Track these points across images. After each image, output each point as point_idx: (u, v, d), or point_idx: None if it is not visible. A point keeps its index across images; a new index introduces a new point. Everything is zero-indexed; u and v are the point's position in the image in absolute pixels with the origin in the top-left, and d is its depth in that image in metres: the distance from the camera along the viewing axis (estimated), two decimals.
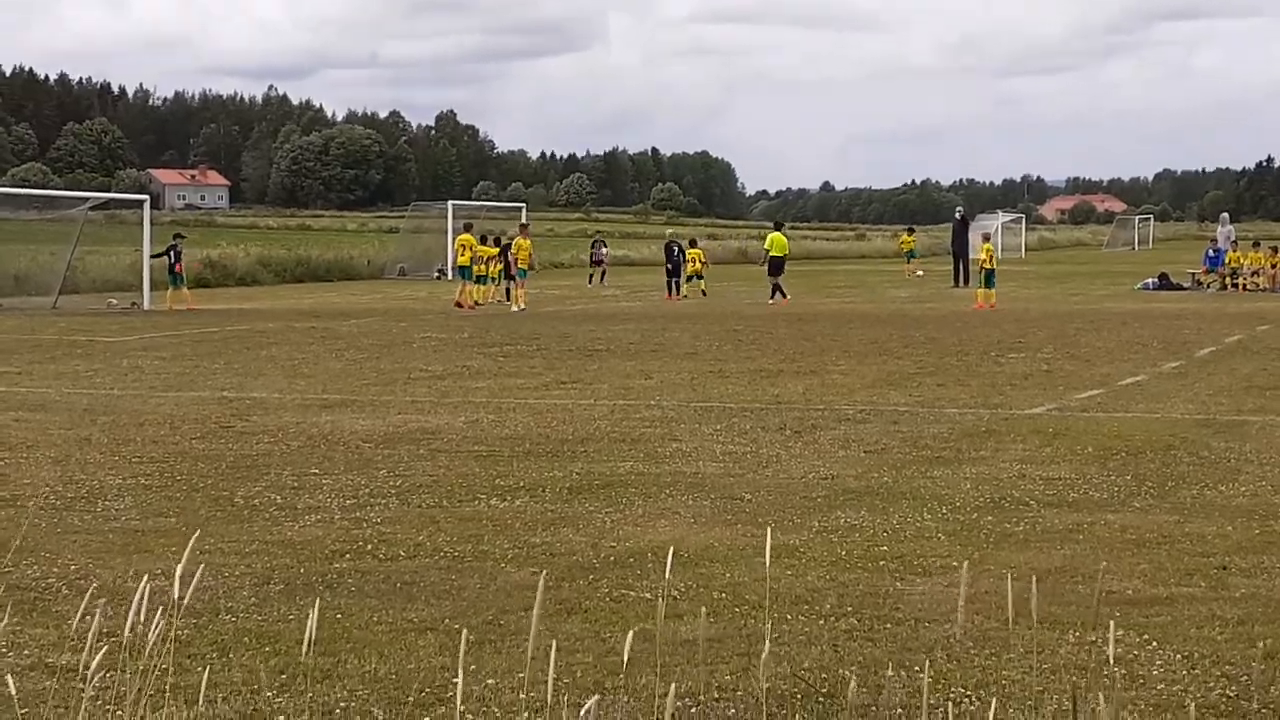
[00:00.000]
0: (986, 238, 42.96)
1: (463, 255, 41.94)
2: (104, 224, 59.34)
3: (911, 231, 71.45)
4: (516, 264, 40.26)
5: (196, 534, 5.17)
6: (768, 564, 5.11)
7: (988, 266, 39.54)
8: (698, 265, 46.45)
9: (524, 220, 51.15)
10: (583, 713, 3.67)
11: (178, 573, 4.54)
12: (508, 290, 41.93)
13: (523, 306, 38.64)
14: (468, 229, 43.73)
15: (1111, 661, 4.55)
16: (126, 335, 30.48)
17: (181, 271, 41.65)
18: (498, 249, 42.61)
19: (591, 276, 54.60)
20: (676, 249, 46.63)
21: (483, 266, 42.11)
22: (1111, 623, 4.57)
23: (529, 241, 41.18)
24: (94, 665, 4.56)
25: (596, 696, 3.98)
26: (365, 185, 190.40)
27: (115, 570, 9.30)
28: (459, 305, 39.67)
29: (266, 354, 25.49)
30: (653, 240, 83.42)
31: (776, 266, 41.91)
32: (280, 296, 46.78)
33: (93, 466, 13.51)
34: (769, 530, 4.91)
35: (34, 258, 46.99)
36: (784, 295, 40.99)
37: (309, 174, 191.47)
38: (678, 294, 44.47)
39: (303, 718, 6.42)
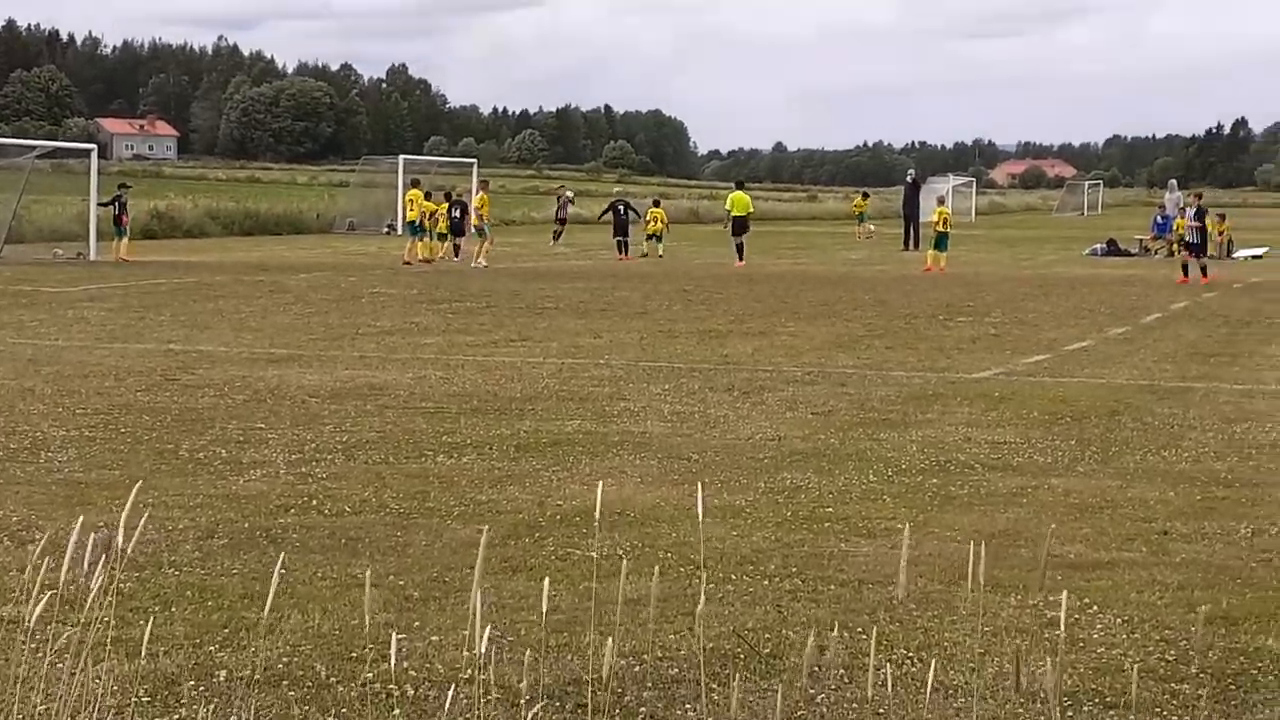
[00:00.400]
0: (941, 200, 43.01)
1: (411, 210, 41.76)
2: (51, 173, 58.74)
3: (866, 196, 71.49)
4: (483, 220, 40.02)
5: (139, 484, 5.14)
6: (700, 519, 5.12)
7: (940, 230, 39.66)
8: (659, 225, 46.01)
9: (481, 178, 50.84)
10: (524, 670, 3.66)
11: (121, 523, 4.51)
12: (456, 247, 41.79)
13: (484, 263, 38.33)
14: (416, 185, 43.58)
15: (1063, 628, 4.57)
16: (71, 286, 30.25)
17: (127, 224, 41.37)
18: (446, 204, 42.39)
19: (557, 234, 52.15)
20: (623, 207, 46.12)
21: (430, 222, 41.92)
22: (1065, 592, 4.59)
23: (488, 197, 41.20)
24: (33, 617, 4.53)
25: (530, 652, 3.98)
26: (316, 138, 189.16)
27: (57, 522, 9.23)
28: (407, 263, 39.33)
29: (213, 307, 25.35)
30: (605, 198, 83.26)
31: (740, 226, 41.49)
32: (228, 249, 46.50)
33: (36, 418, 13.41)
34: (700, 486, 4.91)
35: None
36: (740, 258, 40.41)
37: (259, 125, 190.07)
38: (626, 253, 44.02)
39: (245, 672, 6.40)
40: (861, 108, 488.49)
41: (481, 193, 41.29)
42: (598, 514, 4.94)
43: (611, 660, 4.13)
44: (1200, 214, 35.66)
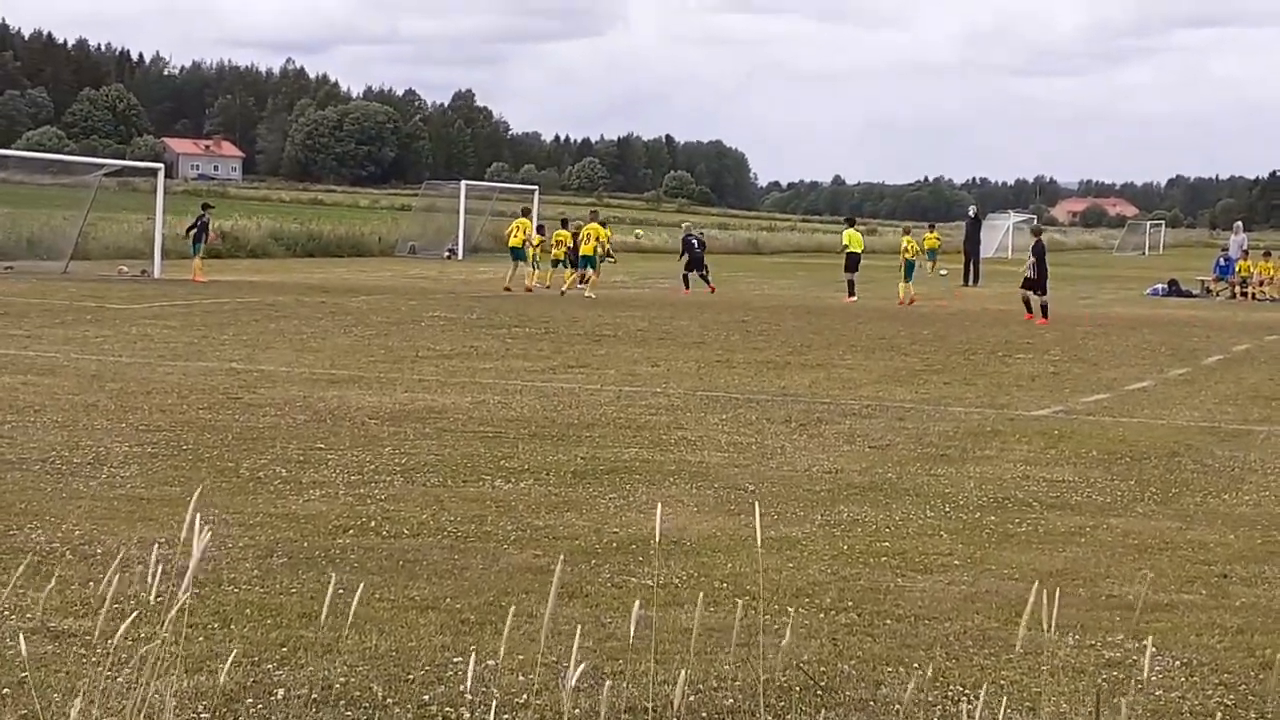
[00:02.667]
0: (907, 231, 43.21)
1: (515, 237, 41.48)
2: (117, 191, 59.42)
3: (933, 228, 71.24)
4: (596, 251, 39.45)
5: (198, 491, 5.19)
6: (759, 547, 5.13)
7: (908, 258, 39.93)
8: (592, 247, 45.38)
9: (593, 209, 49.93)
10: (572, 680, 3.69)
11: (197, 543, 4.56)
12: (582, 275, 41.73)
13: (592, 295, 37.33)
14: (525, 214, 43.66)
15: (1146, 674, 4.56)
16: (136, 303, 30.52)
17: (208, 241, 41.70)
18: (571, 234, 42.19)
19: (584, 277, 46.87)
20: (695, 242, 44.67)
21: (551, 251, 41.97)
22: (1149, 641, 4.58)
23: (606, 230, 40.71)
24: (109, 630, 4.58)
25: (583, 665, 4.01)
26: (379, 162, 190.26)
27: (119, 537, 9.32)
28: (508, 289, 38.89)
29: (275, 327, 25.52)
30: (665, 228, 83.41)
31: (852, 263, 40.93)
32: (291, 270, 46.80)
33: (99, 432, 13.54)
34: (757, 510, 4.91)
35: (47, 222, 47.04)
36: (850, 293, 39.70)
37: (323, 149, 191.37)
38: (687, 288, 42.56)
39: (303, 691, 6.44)
40: (922, 142, 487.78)
41: (592, 224, 40.56)
42: (657, 539, 4.96)
43: (683, 690, 4.15)
44: (1039, 249, 34.04)
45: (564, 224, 43.76)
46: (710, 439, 14.40)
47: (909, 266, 40.08)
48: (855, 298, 39.23)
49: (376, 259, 58.77)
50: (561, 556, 4.72)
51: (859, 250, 41.13)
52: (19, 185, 50.14)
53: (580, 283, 39.75)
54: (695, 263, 42.98)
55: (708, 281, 42.04)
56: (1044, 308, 33.02)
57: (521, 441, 13.88)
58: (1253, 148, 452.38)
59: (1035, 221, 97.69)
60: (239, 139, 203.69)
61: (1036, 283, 33.50)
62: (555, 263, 41.94)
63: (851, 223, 45.80)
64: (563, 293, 38.50)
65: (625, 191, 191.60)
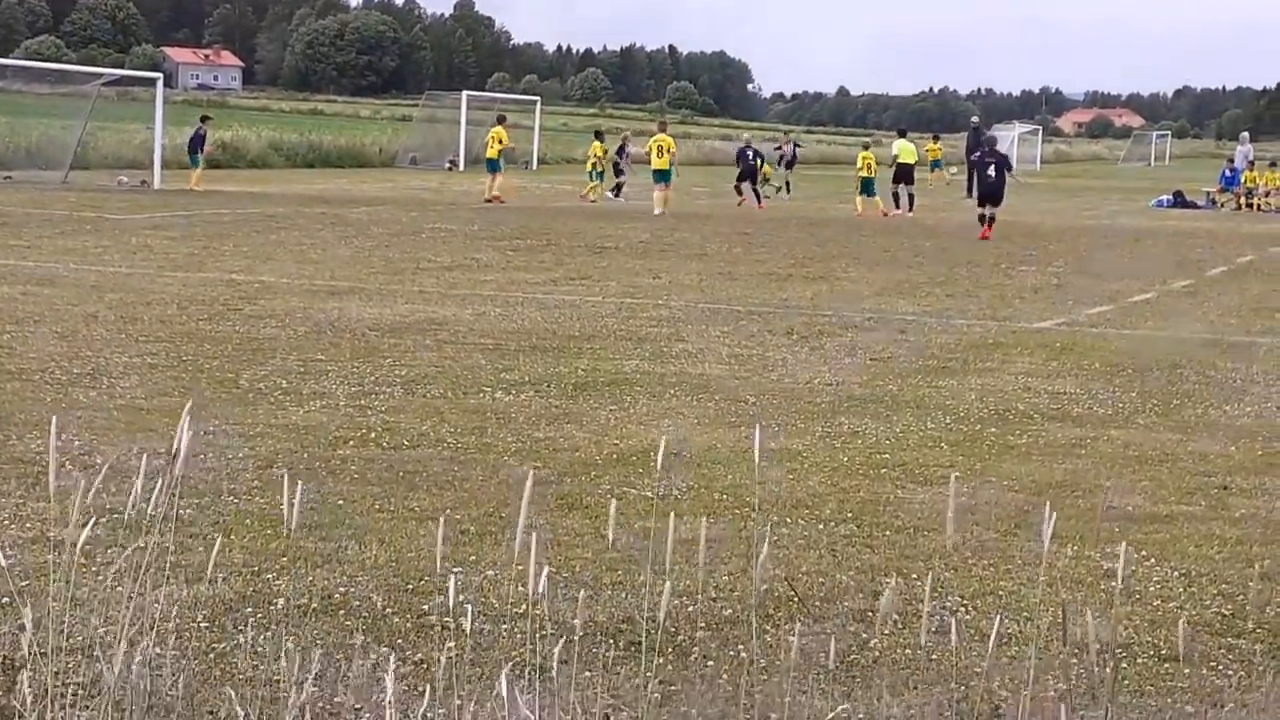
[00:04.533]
0: (866, 146, 42.15)
1: (491, 148, 41.24)
2: (116, 100, 59.09)
3: (937, 139, 70.81)
4: (664, 162, 37.05)
5: (189, 403, 5.17)
6: (756, 461, 5.11)
7: (864, 175, 39.26)
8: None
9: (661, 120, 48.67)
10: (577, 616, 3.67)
11: (182, 446, 4.55)
12: (617, 187, 41.53)
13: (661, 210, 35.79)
14: (501, 122, 43.22)
15: (1120, 583, 4.55)
16: (136, 213, 30.42)
17: (204, 154, 41.58)
18: (603, 148, 42.01)
19: (619, 188, 42.68)
20: (751, 153, 43.61)
21: (596, 163, 41.88)
22: (1124, 544, 4.57)
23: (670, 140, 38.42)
24: (80, 539, 4.57)
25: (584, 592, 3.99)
26: (379, 72, 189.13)
27: (119, 447, 9.32)
28: (488, 200, 38.47)
29: (276, 238, 25.45)
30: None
31: (906, 174, 40.26)
32: (291, 181, 46.63)
33: (99, 343, 13.52)
34: (757, 427, 4.89)
35: (45, 132, 46.76)
36: (910, 206, 39.01)
37: (323, 58, 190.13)
38: (759, 202, 41.14)
39: (303, 601, 6.45)
40: (928, 54, 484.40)
41: (662, 135, 38.39)
42: (661, 456, 4.94)
43: (668, 600, 4.14)
44: (998, 156, 32.17)
45: (597, 136, 43.59)
46: (711, 351, 14.38)
47: (866, 182, 39.14)
48: (902, 210, 38.53)
49: (377, 170, 58.54)
50: (532, 471, 4.71)
51: (910, 162, 40.39)
52: (18, 94, 49.82)
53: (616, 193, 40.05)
54: (749, 174, 42.10)
55: (759, 196, 41.37)
56: (991, 219, 30.89)
57: (522, 353, 13.86)
58: (1260, 58, 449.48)
59: (1039, 132, 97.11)
60: (238, 49, 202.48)
61: (991, 194, 31.30)
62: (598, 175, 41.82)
63: (903, 134, 44.07)
64: (592, 201, 38.74)
65: (628, 102, 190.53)
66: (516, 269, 21.79)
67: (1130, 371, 13.89)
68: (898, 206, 38.91)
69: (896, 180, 39.72)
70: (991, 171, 31.63)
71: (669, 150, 37.40)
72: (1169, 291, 21.58)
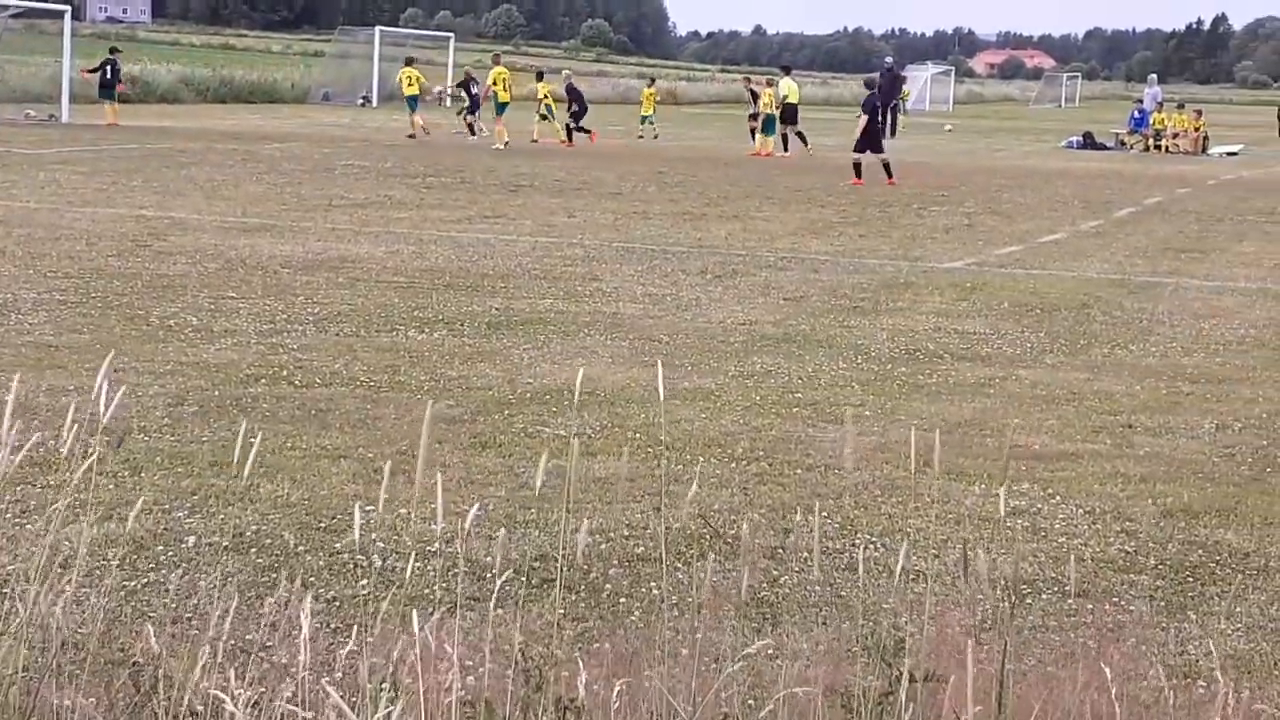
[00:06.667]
0: (770, 83, 40.83)
1: (410, 86, 41.16)
2: (23, 33, 58.03)
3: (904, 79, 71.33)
4: (497, 97, 38.03)
5: (111, 354, 5.15)
6: (662, 398, 5.15)
7: (768, 112, 38.64)
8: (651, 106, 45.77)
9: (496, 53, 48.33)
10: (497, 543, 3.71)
11: (102, 392, 4.52)
12: (471, 125, 41.14)
13: (504, 143, 36.39)
14: (410, 63, 43.05)
15: (1002, 514, 4.64)
16: (44, 148, 29.99)
17: (119, 89, 41.05)
18: (547, 86, 41.41)
19: (472, 126, 41.47)
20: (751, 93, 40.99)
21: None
22: (1001, 489, 4.65)
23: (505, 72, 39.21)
24: (18, 478, 4.54)
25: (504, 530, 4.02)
26: (291, 6, 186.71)
27: (27, 385, 9.22)
28: (411, 136, 38.96)
29: (186, 174, 25.18)
30: (584, 77, 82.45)
31: (791, 114, 39.46)
32: (202, 116, 46.11)
33: (6, 279, 13.37)
34: (659, 365, 4.93)
35: None
36: (804, 143, 38.48)
37: None
38: (784, 150, 38.72)
39: (214, 539, 6.44)
40: None
41: (497, 69, 39.45)
42: (578, 395, 4.97)
43: (585, 540, 4.18)
44: (869, 104, 30.72)
45: (539, 76, 43.34)
46: (625, 290, 14.41)
47: (769, 120, 38.48)
48: (789, 153, 38.24)
49: (289, 106, 57.95)
50: (431, 403, 4.73)
51: (796, 101, 39.80)
52: None
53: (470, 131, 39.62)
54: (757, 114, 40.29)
55: (783, 143, 38.81)
56: (857, 167, 29.64)
57: (435, 292, 13.83)
58: (1171, 1, 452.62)
59: (952, 73, 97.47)
60: None
61: (861, 141, 30.15)
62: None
63: (788, 71, 43.54)
64: (534, 140, 38.51)
65: (543, 40, 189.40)
66: (430, 207, 21.69)
67: (1039, 311, 14.05)
68: (785, 148, 38.49)
69: (783, 121, 38.97)
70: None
71: (508, 84, 38.57)
72: (1077, 232, 21.80)
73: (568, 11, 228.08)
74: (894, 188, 28.10)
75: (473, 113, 41.24)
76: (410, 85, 41.02)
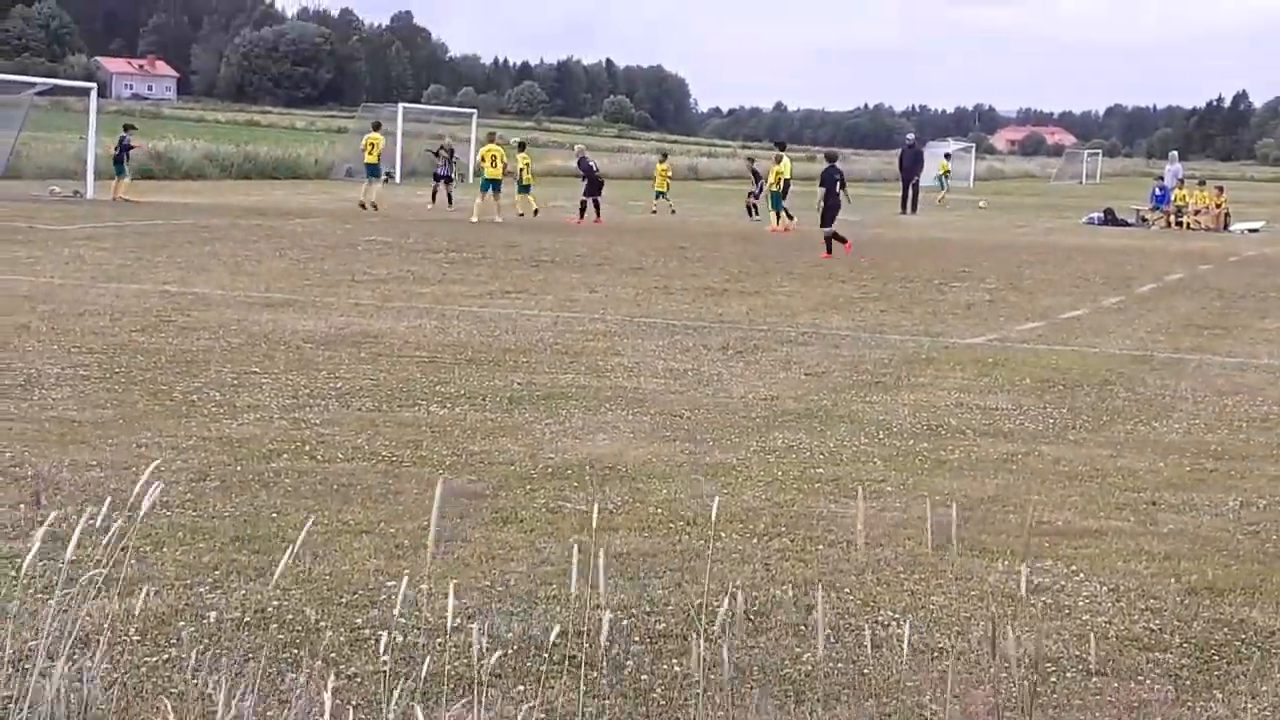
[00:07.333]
0: (779, 159, 40.93)
1: (370, 154, 41.58)
2: (49, 110, 58.63)
3: (949, 157, 71.46)
4: (497, 172, 38.06)
5: (152, 465, 5.17)
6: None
7: (774, 189, 38.93)
8: (664, 183, 45.76)
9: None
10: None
11: (149, 486, 4.54)
12: (449, 195, 41.29)
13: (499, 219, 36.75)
14: (377, 128, 43.54)
15: (1024, 591, 4.61)
16: (68, 224, 30.18)
17: (127, 163, 41.33)
18: (527, 158, 41.08)
19: (435, 193, 42.43)
20: (595, 165, 41.19)
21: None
22: (1023, 566, 4.63)
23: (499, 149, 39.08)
24: (42, 553, 4.55)
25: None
26: (315, 84, 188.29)
27: (50, 460, 9.26)
28: (362, 206, 39.37)
29: (210, 250, 25.31)
30: (605, 153, 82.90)
31: (785, 190, 39.67)
32: (226, 192, 46.39)
33: (30, 354, 13.42)
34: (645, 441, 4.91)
35: None
36: (790, 217, 38.68)
37: (259, 70, 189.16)
38: (582, 217, 38.76)
39: (235, 614, 6.43)
40: (863, 69, 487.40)
41: (493, 144, 39.55)
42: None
43: (609, 619, 4.17)
44: (828, 177, 31.09)
45: (521, 147, 43.34)
46: (647, 365, 14.42)
47: (775, 196, 38.82)
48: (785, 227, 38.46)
49: (313, 181, 58.27)
50: (442, 480, 4.73)
51: (788, 176, 40.10)
52: None
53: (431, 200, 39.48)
54: (593, 187, 39.75)
55: (585, 212, 39.03)
56: (828, 241, 30.03)
57: (458, 367, 13.85)
58: (1190, 78, 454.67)
59: (972, 149, 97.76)
60: (174, 59, 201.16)
61: (823, 215, 30.54)
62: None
63: (783, 147, 43.78)
64: (520, 214, 38.31)
65: (565, 115, 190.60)
66: (452, 282, 21.76)
67: (1061, 387, 14.02)
68: (755, 214, 38.97)
69: (786, 195, 39.29)
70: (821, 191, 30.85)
71: (501, 160, 38.42)
72: (1100, 308, 21.78)
73: (590, 88, 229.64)
74: (861, 260, 28.12)
75: (448, 182, 41.46)
76: (370, 154, 41.43)
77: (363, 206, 39.42)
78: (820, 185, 31.05)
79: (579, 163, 41.58)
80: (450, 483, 9.13)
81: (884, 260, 29.21)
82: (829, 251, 29.59)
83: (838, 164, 32.40)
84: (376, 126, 43.60)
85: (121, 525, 7.67)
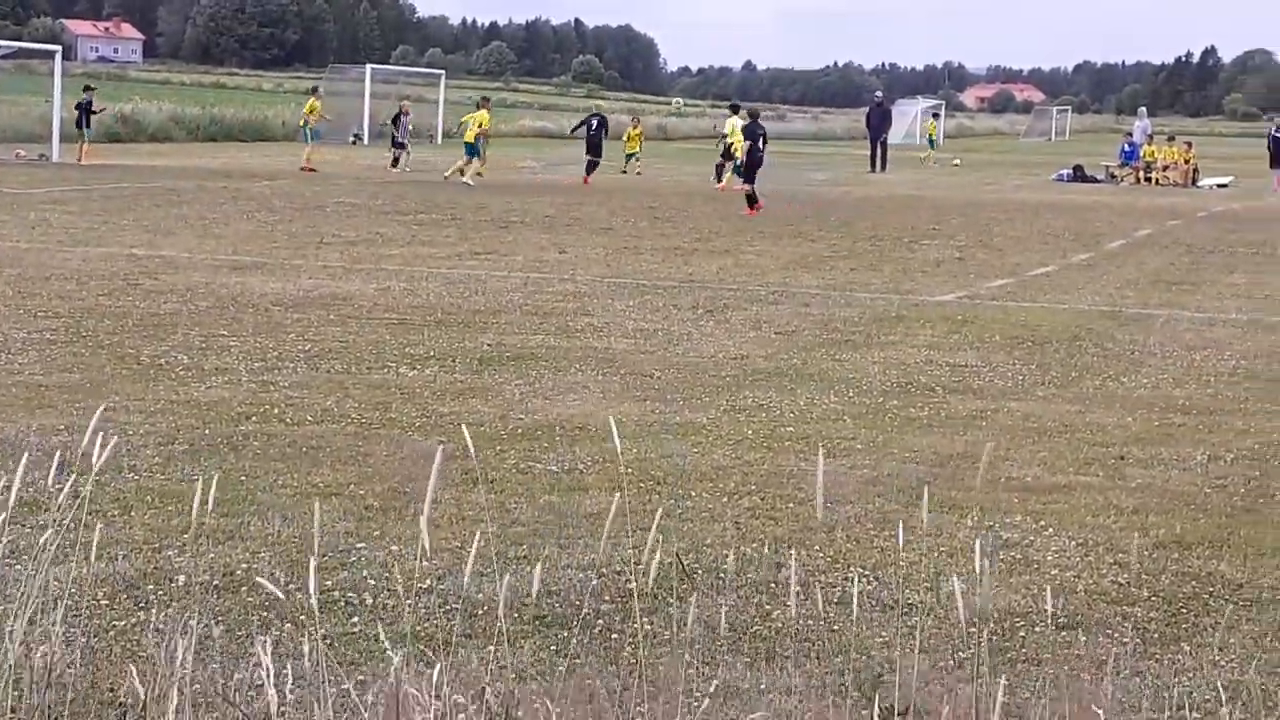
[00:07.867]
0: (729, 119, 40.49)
1: (469, 132, 40.72)
2: (13, 73, 58.14)
3: (937, 117, 71.46)
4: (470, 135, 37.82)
5: (100, 408, 5.15)
6: (617, 443, 5.15)
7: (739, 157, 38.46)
8: (636, 144, 45.71)
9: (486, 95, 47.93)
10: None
11: (89, 437, 4.52)
12: (395, 159, 40.98)
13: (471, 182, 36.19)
14: (314, 92, 43.45)
15: (978, 553, 4.63)
16: (34, 188, 30.00)
17: (88, 126, 41.10)
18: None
19: (397, 159, 41.74)
20: (596, 122, 42.42)
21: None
22: (983, 532, 4.64)
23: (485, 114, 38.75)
24: (9, 518, 4.53)
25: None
26: (282, 45, 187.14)
27: (17, 424, 9.22)
28: (304, 169, 39.10)
29: (177, 212, 25.19)
30: (573, 113, 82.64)
31: (727, 151, 39.35)
32: (193, 155, 46.15)
33: None
34: (611, 416, 4.93)
35: None
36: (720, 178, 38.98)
37: (225, 31, 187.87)
38: (720, 182, 39.17)
39: (204, 577, 6.42)
40: (833, 28, 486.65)
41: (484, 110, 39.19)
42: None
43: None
44: (749, 132, 30.63)
45: (481, 103, 42.89)
46: (617, 325, 14.41)
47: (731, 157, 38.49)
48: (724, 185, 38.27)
49: (280, 144, 57.98)
50: (442, 446, 4.72)
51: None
52: None
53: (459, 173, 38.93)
54: (593, 146, 40.88)
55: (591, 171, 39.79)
56: (749, 198, 29.62)
57: (427, 328, 13.82)
58: (1159, 34, 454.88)
59: (942, 107, 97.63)
60: (139, 21, 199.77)
61: (746, 170, 30.22)
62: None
63: (736, 110, 43.24)
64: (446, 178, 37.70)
65: (534, 76, 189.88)
66: (421, 243, 21.70)
67: (1030, 344, 14.05)
68: (719, 179, 38.70)
69: (726, 156, 38.83)
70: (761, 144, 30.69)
71: (479, 125, 37.98)
72: (1068, 265, 21.83)
73: (558, 48, 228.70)
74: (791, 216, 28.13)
75: (400, 146, 41.11)
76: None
77: (304, 169, 39.12)
78: (745, 140, 30.75)
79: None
80: (422, 444, 9.12)
81: (853, 219, 29.20)
82: (751, 208, 29.25)
83: (759, 120, 32.05)
84: (313, 91, 43.59)
85: (90, 490, 7.65)
